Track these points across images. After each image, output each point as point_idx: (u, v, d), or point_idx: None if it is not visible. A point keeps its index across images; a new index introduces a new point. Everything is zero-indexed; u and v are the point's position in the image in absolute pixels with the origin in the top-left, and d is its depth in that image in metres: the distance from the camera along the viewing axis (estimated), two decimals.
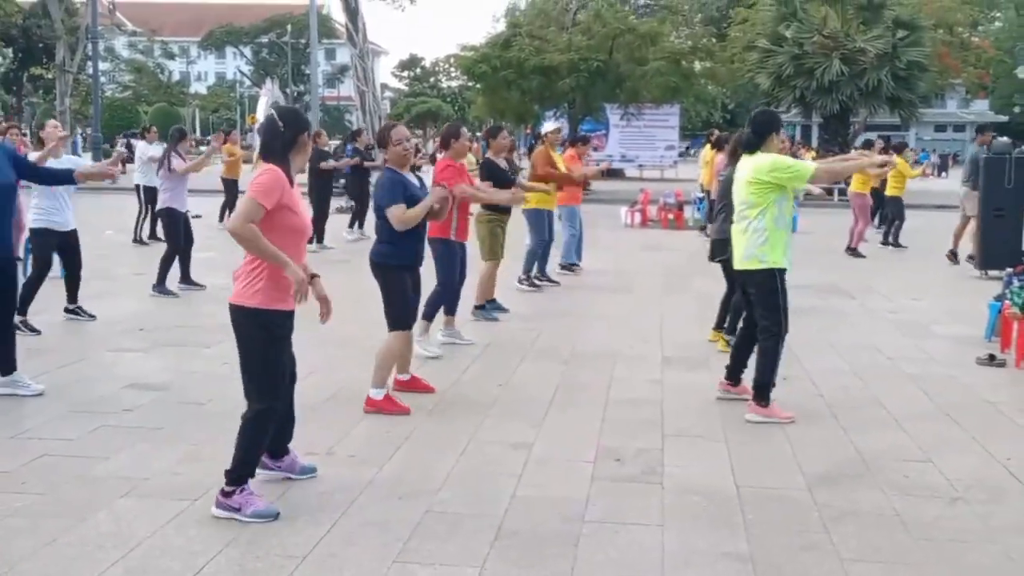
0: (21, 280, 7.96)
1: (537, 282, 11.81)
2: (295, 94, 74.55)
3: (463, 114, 64.66)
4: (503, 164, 9.61)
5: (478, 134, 27.23)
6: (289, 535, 4.40)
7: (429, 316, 8.03)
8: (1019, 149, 14.11)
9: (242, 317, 4.58)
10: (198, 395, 6.70)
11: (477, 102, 41.30)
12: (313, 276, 4.73)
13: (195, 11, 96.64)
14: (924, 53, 31.06)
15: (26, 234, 9.14)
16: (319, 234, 15.31)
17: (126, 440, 5.74)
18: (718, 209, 8.44)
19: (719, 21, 46.86)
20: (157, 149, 14.53)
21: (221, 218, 18.24)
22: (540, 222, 11.62)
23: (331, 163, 16.28)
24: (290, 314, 4.67)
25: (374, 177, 13.57)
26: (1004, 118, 61.05)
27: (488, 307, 9.83)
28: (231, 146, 19.67)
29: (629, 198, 22.98)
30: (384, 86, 79.33)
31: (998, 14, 69.27)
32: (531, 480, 5.20)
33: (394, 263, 6.41)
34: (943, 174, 50.97)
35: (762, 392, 6.38)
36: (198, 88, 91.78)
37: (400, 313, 6.44)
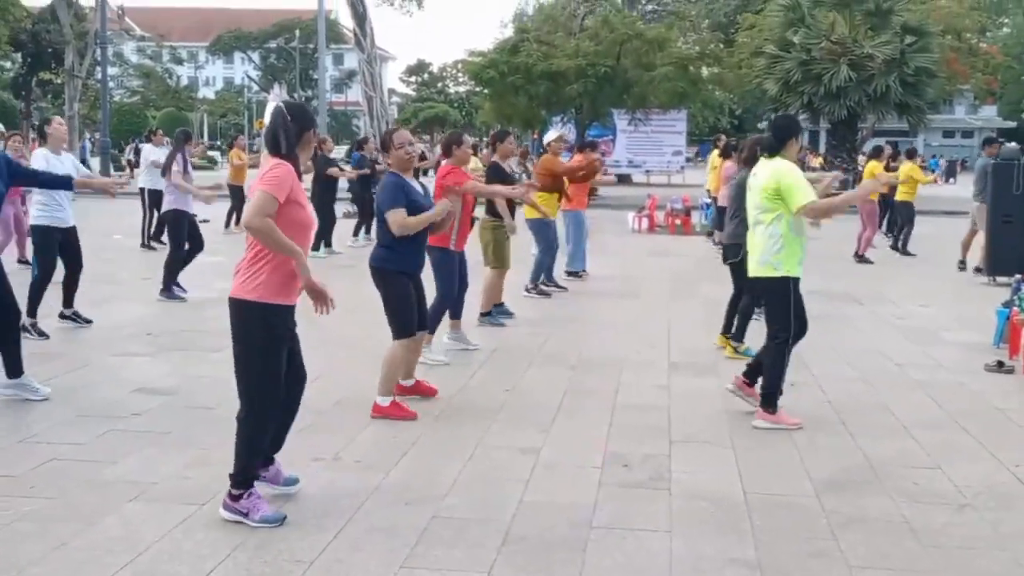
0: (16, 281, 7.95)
1: (545, 288, 11.79)
2: (303, 99, 74.69)
3: (470, 119, 64.77)
4: (508, 169, 9.61)
5: (484, 138, 27.25)
6: (296, 540, 4.40)
7: (431, 328, 7.97)
8: None
9: (242, 311, 4.51)
10: (206, 399, 6.71)
11: (485, 107, 41.30)
12: None
13: (203, 16, 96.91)
14: (932, 59, 31.01)
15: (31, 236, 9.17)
16: (327, 240, 15.34)
17: (134, 444, 5.75)
18: (731, 214, 8.43)
19: (727, 27, 46.87)
20: (163, 153, 14.58)
21: (227, 224, 18.29)
22: (545, 231, 11.59)
23: (336, 171, 16.20)
24: (291, 309, 4.63)
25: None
26: (1012, 124, 61.00)
27: (495, 312, 9.81)
28: (238, 151, 19.73)
29: (636, 204, 22.99)
30: (392, 91, 79.46)
31: (1006, 20, 69.21)
32: (538, 486, 5.20)
33: (392, 268, 6.36)
34: (951, 180, 50.88)
35: (769, 399, 6.37)
36: (206, 93, 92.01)
37: (403, 320, 6.40)
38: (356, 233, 17.16)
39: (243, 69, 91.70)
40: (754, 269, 6.49)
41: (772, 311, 6.48)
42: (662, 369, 8.01)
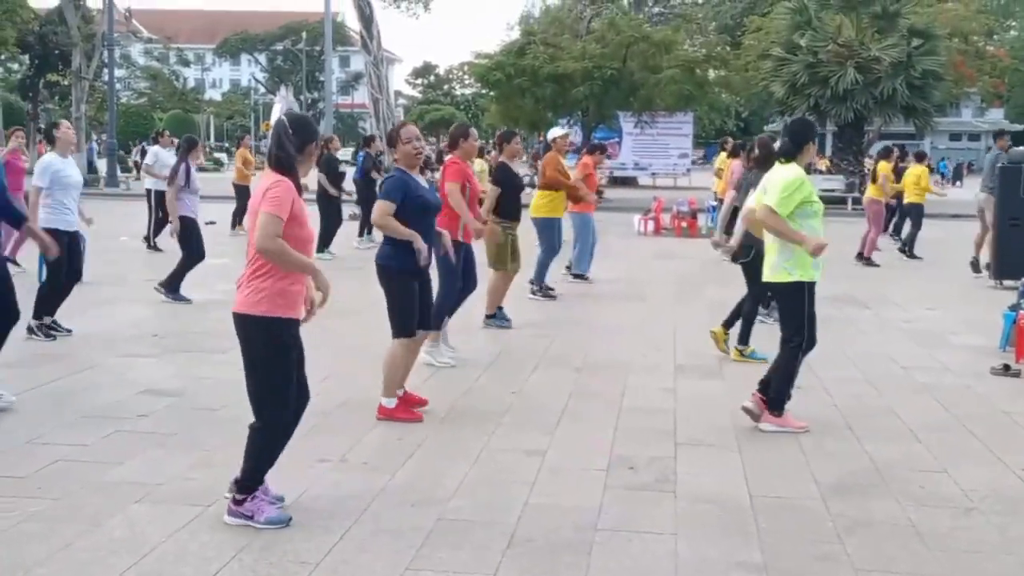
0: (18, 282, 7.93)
1: (550, 291, 11.74)
2: (309, 101, 74.84)
3: (477, 121, 64.79)
4: (515, 169, 9.60)
5: (491, 140, 27.24)
6: (302, 541, 4.40)
7: (437, 325, 7.92)
8: None
9: (247, 326, 4.51)
10: (211, 401, 6.72)
11: (491, 109, 41.38)
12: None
13: (210, 18, 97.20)
14: (939, 62, 30.95)
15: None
16: (330, 242, 15.34)
17: (139, 446, 5.75)
18: (742, 214, 8.39)
19: (733, 29, 46.87)
20: (170, 154, 14.60)
21: (233, 225, 18.31)
22: (550, 230, 11.58)
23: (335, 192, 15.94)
24: (296, 322, 4.62)
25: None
26: (1019, 127, 60.83)
27: (499, 314, 9.79)
28: (244, 151, 19.76)
29: (642, 206, 22.98)
30: (398, 93, 79.56)
31: (1013, 23, 69.14)
32: (544, 488, 5.19)
33: (396, 265, 6.31)
34: (958, 183, 50.82)
35: (777, 402, 6.36)
36: (213, 95, 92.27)
37: (404, 320, 6.37)
38: (361, 234, 17.17)
39: (250, 71, 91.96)
40: (768, 274, 6.47)
41: (786, 316, 6.48)
42: (668, 372, 8.00)
